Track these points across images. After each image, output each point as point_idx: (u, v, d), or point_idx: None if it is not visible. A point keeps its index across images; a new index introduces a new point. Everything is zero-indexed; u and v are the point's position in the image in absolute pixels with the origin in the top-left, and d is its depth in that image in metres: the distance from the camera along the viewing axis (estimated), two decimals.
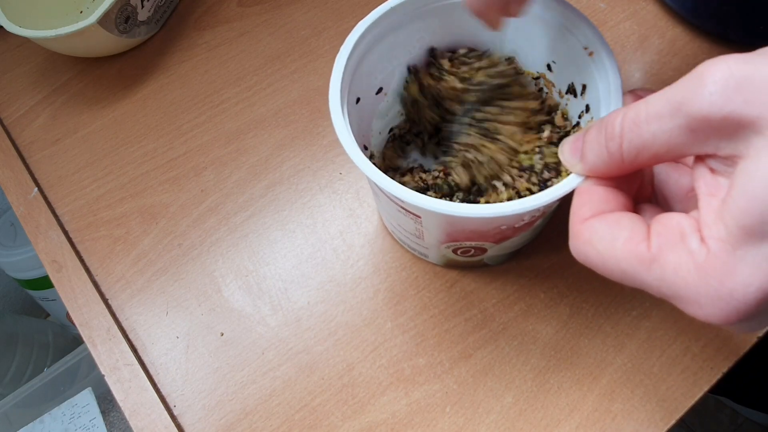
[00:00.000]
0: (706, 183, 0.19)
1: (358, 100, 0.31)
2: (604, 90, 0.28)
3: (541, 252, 0.36)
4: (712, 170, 0.19)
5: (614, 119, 0.21)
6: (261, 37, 0.47)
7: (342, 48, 0.29)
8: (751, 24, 0.40)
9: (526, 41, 0.33)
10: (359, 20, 0.30)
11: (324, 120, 0.42)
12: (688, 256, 0.18)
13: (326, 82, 0.44)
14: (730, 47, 0.41)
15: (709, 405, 0.97)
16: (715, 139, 0.18)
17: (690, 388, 0.32)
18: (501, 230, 0.29)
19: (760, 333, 0.33)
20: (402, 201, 0.26)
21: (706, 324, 0.33)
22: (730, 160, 0.18)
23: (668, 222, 0.20)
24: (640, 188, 0.24)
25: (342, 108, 0.28)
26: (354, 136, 0.27)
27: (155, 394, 0.34)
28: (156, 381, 0.35)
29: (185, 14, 0.50)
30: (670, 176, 0.24)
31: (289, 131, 0.42)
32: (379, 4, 0.31)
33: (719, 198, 0.18)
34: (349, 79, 0.30)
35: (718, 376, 0.32)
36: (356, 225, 0.38)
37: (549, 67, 0.33)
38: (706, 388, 0.31)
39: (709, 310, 0.18)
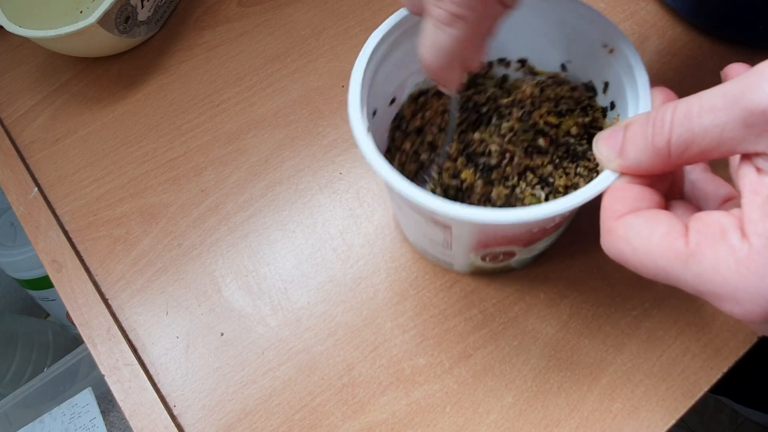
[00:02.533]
0: (751, 182, 0.19)
1: (375, 112, 0.31)
2: (631, 87, 0.27)
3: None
4: (759, 170, 0.19)
5: (664, 113, 0.20)
6: (261, 37, 0.47)
7: (357, 61, 0.29)
8: (751, 24, 0.40)
9: (539, 42, 0.33)
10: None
11: (324, 120, 0.42)
12: (729, 251, 0.18)
13: (326, 82, 0.44)
14: (730, 47, 0.41)
15: (709, 405, 0.97)
16: None
17: (690, 388, 0.32)
18: (532, 233, 0.29)
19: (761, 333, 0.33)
20: (434, 213, 0.25)
21: (707, 324, 0.33)
22: None
23: (707, 219, 0.19)
24: (671, 186, 0.24)
25: (364, 123, 0.27)
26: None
27: (155, 394, 0.34)
28: (156, 381, 0.35)
29: (185, 14, 0.50)
30: (708, 185, 0.24)
31: (289, 131, 0.42)
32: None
33: (764, 195, 0.18)
34: (367, 92, 0.29)
35: (718, 376, 0.32)
36: (356, 225, 0.38)
37: (564, 66, 0.33)
38: (706, 388, 0.31)
39: (747, 306, 0.18)
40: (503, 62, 0.35)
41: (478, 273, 0.36)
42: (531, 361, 0.33)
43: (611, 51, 0.29)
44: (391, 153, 0.35)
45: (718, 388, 0.40)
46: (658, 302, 0.34)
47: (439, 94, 0.35)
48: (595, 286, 0.35)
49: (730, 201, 0.23)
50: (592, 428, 0.31)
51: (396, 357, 0.34)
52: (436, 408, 0.32)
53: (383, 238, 0.37)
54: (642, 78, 0.27)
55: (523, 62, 0.34)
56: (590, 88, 0.32)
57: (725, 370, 0.32)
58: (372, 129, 0.28)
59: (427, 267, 0.36)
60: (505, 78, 0.36)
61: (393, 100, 0.34)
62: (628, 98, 0.28)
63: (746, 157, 0.19)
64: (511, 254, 0.32)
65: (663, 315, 0.34)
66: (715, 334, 0.33)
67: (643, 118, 0.22)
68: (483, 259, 0.32)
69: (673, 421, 0.31)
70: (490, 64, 0.35)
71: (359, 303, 0.36)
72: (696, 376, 0.32)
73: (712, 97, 0.19)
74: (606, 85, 0.30)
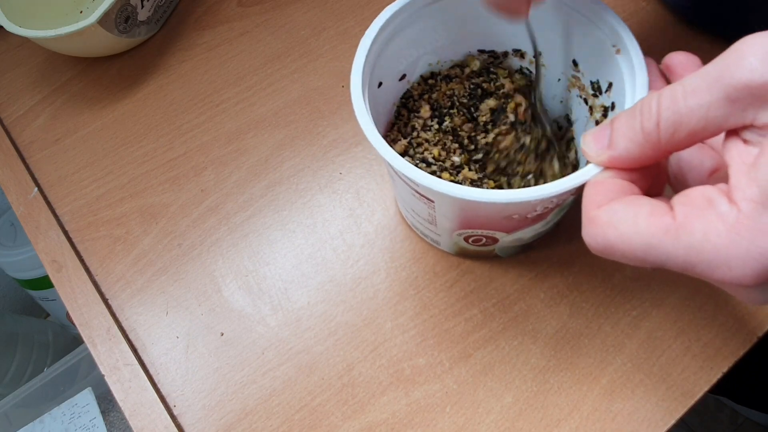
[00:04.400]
0: (738, 152, 0.19)
1: (380, 84, 0.32)
2: (631, 87, 0.28)
3: (540, 251, 0.36)
4: (746, 141, 0.19)
5: (650, 101, 0.21)
6: (261, 37, 0.47)
7: (367, 31, 0.29)
8: (751, 24, 0.40)
9: (551, 37, 0.33)
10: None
11: (324, 120, 0.42)
12: (718, 218, 0.18)
13: (326, 82, 0.44)
14: None
15: (709, 405, 0.97)
16: (753, 109, 0.18)
17: (690, 388, 0.32)
18: (513, 219, 0.29)
19: (761, 333, 0.33)
20: (416, 184, 0.26)
21: (707, 324, 0.33)
22: (766, 129, 0.18)
23: (691, 193, 0.20)
24: (651, 186, 0.24)
25: (363, 89, 0.28)
26: (374, 118, 0.27)
27: (155, 394, 0.34)
28: (156, 381, 0.35)
29: (185, 14, 0.50)
30: (694, 157, 0.24)
31: (289, 131, 0.42)
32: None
33: (749, 162, 0.18)
34: (373, 62, 0.30)
35: (718, 376, 0.32)
36: (356, 225, 0.38)
37: (574, 63, 0.33)
38: (706, 388, 0.31)
39: (739, 271, 0.18)
40: (518, 53, 0.35)
41: (463, 254, 0.36)
42: (531, 361, 0.33)
43: (618, 51, 0.29)
44: (395, 129, 0.35)
45: (718, 388, 0.40)
46: (658, 302, 0.34)
47: (448, 78, 0.36)
48: (595, 286, 0.35)
49: (717, 173, 0.23)
50: (592, 428, 0.31)
51: (396, 357, 0.34)
52: (436, 408, 0.32)
53: (383, 238, 0.38)
54: (642, 79, 0.27)
55: (537, 55, 0.35)
56: (596, 87, 0.32)
57: (725, 370, 0.32)
58: (375, 98, 0.28)
59: (427, 267, 0.36)
60: (519, 70, 0.36)
61: (403, 76, 0.34)
62: (626, 98, 0.28)
63: (732, 132, 0.20)
64: (494, 239, 0.32)
65: (663, 315, 0.34)
66: (715, 334, 0.33)
67: (628, 111, 0.22)
68: (466, 240, 0.32)
69: (673, 421, 0.31)
70: (506, 54, 0.36)
71: (359, 303, 0.36)
72: (696, 376, 0.32)
73: (694, 80, 0.19)
74: (610, 85, 0.30)
